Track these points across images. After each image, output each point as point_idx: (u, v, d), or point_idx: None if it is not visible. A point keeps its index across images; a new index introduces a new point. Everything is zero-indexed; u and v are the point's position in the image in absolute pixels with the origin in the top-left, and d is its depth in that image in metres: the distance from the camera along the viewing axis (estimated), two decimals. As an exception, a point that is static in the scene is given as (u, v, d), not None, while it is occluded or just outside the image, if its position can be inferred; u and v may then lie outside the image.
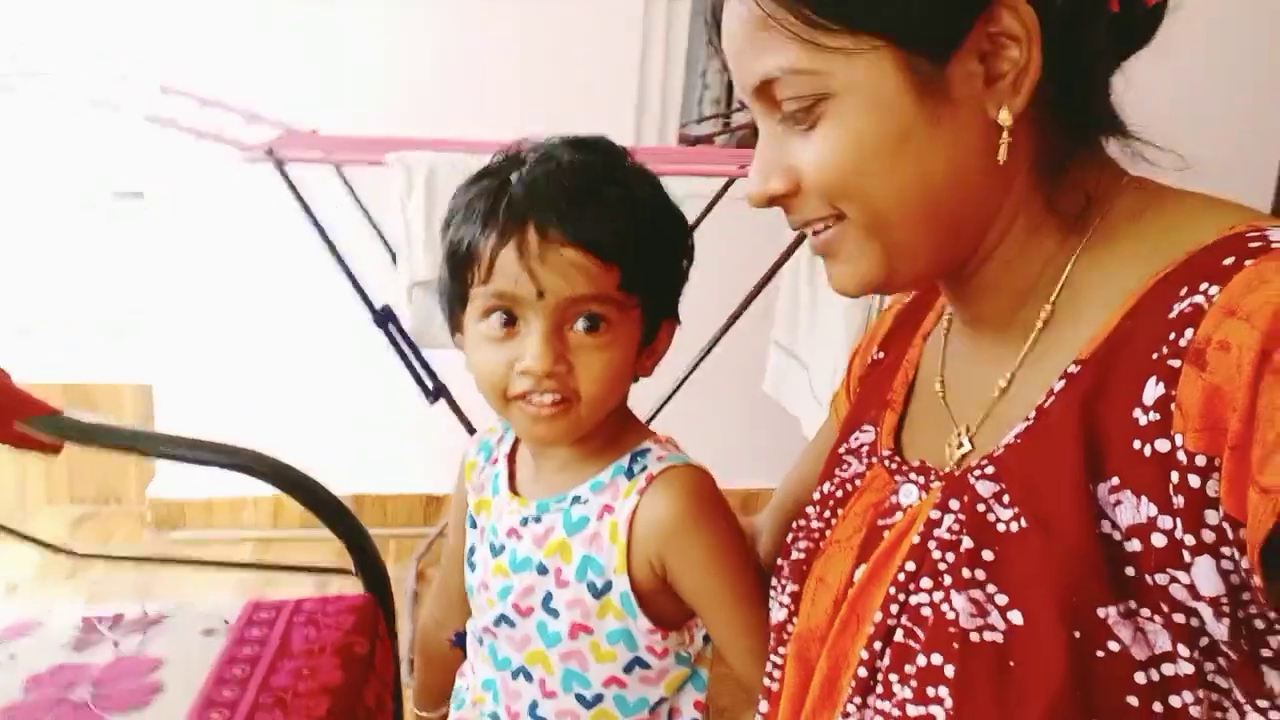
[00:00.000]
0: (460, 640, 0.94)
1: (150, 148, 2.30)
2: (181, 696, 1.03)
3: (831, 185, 0.63)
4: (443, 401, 1.81)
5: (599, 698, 0.82)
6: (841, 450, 0.80)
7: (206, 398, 2.47)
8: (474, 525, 0.88)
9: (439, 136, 1.97)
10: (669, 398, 1.91)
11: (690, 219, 2.25)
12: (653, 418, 1.95)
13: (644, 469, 0.81)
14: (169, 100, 1.94)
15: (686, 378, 1.88)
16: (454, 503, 0.94)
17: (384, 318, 1.70)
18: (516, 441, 0.89)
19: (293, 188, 1.62)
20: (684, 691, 0.85)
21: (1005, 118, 0.61)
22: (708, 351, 1.88)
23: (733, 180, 2.08)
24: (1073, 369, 0.60)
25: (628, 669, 0.82)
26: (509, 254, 0.73)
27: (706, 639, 0.85)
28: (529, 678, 0.84)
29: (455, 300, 0.80)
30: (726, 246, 2.33)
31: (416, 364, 1.76)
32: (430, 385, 1.77)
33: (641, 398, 1.95)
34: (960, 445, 0.68)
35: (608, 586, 0.79)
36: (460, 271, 0.77)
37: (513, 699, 0.86)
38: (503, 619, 0.84)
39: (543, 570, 0.81)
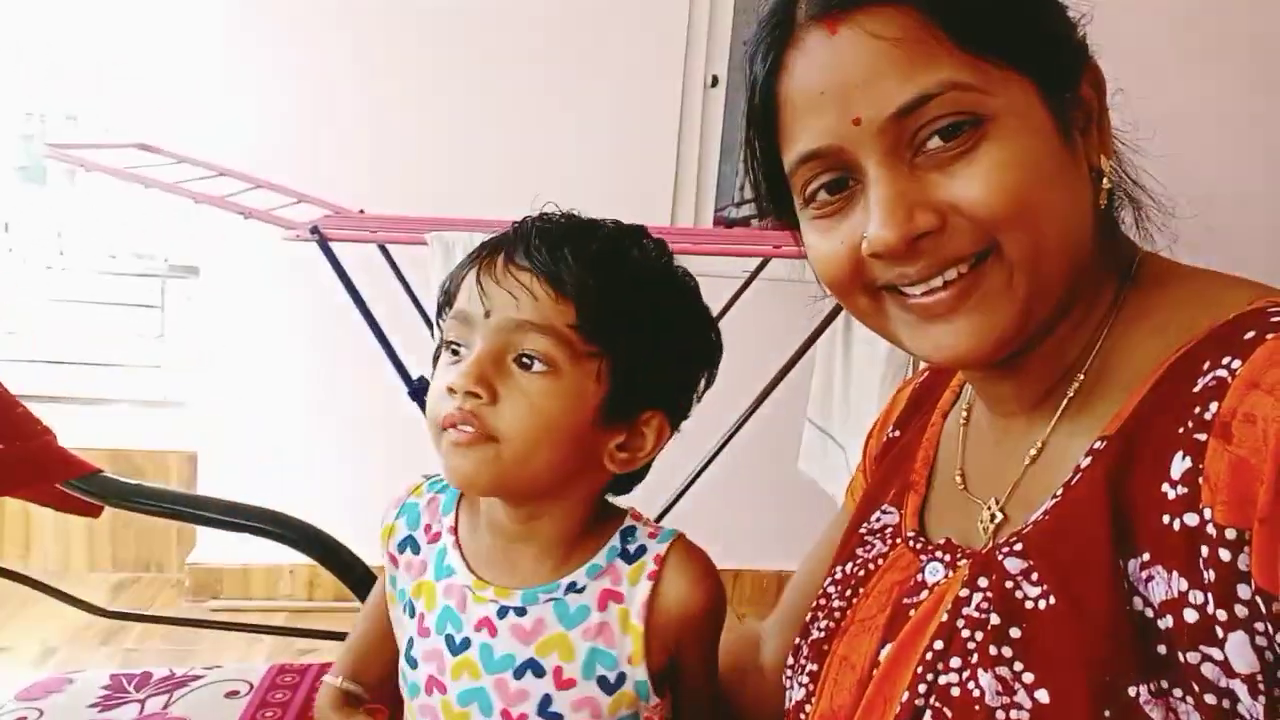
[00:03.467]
0: None
1: (206, 225, 2.40)
2: (202, 757, 1.04)
3: (1003, 207, 0.58)
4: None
5: None
6: (863, 530, 0.78)
7: (250, 466, 2.52)
8: (410, 614, 0.78)
9: (479, 217, 2.04)
10: (697, 474, 1.92)
11: (724, 299, 2.28)
12: (681, 494, 1.96)
13: (641, 548, 0.75)
14: (222, 182, 2.03)
15: (716, 454, 1.89)
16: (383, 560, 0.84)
17: (419, 390, 1.73)
18: (457, 514, 0.80)
19: (336, 265, 1.68)
20: None
21: (1106, 164, 0.62)
22: (738, 427, 1.88)
23: (767, 260, 2.11)
24: (1098, 445, 0.60)
25: None
26: (471, 276, 0.73)
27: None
28: None
29: (439, 348, 0.77)
30: (760, 324, 2.36)
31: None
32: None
33: (672, 474, 1.98)
34: (994, 518, 0.67)
35: (621, 679, 0.74)
36: (441, 309, 0.76)
37: None
38: None
39: (537, 671, 0.73)
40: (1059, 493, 0.61)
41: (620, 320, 0.71)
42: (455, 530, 0.78)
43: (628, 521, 0.77)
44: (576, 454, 0.72)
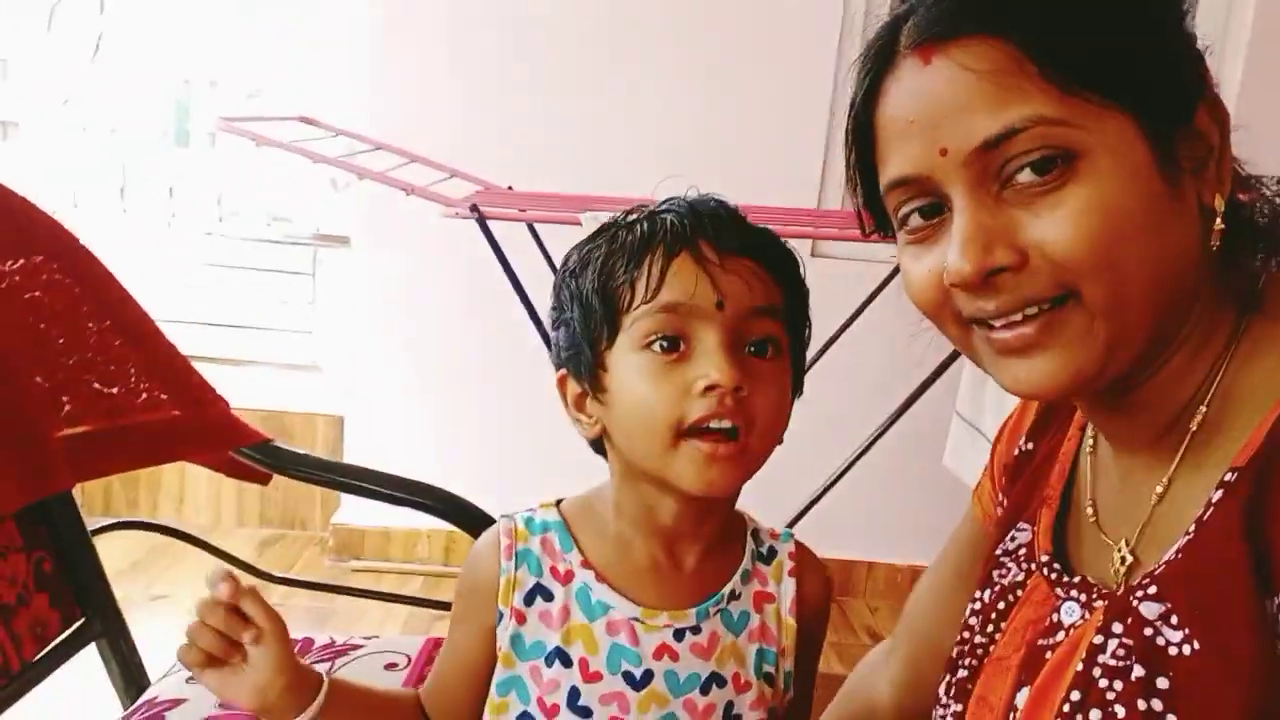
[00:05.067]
0: None
1: (356, 196, 2.46)
2: (364, 729, 1.05)
3: (1084, 252, 0.57)
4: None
5: None
6: (999, 552, 0.77)
7: (393, 431, 2.58)
8: (564, 664, 0.72)
9: (625, 195, 2.02)
10: (848, 467, 1.87)
11: (871, 286, 2.21)
12: (829, 488, 1.91)
13: (772, 549, 0.78)
14: (379, 156, 2.07)
15: (868, 448, 1.83)
16: (469, 616, 0.76)
17: (567, 368, 1.73)
18: (579, 546, 0.75)
19: (492, 241, 1.69)
20: None
21: (1220, 203, 0.59)
22: (891, 423, 1.82)
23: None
24: (1229, 477, 0.57)
25: None
26: (684, 264, 0.68)
27: None
28: None
29: (596, 341, 0.70)
30: (906, 313, 2.28)
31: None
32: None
33: (814, 467, 1.93)
34: (1124, 560, 0.65)
35: (778, 673, 0.77)
36: (611, 301, 0.69)
37: None
38: None
39: (720, 682, 0.73)
40: (1191, 529, 0.58)
41: (804, 302, 0.74)
42: (588, 564, 0.74)
43: (749, 522, 0.79)
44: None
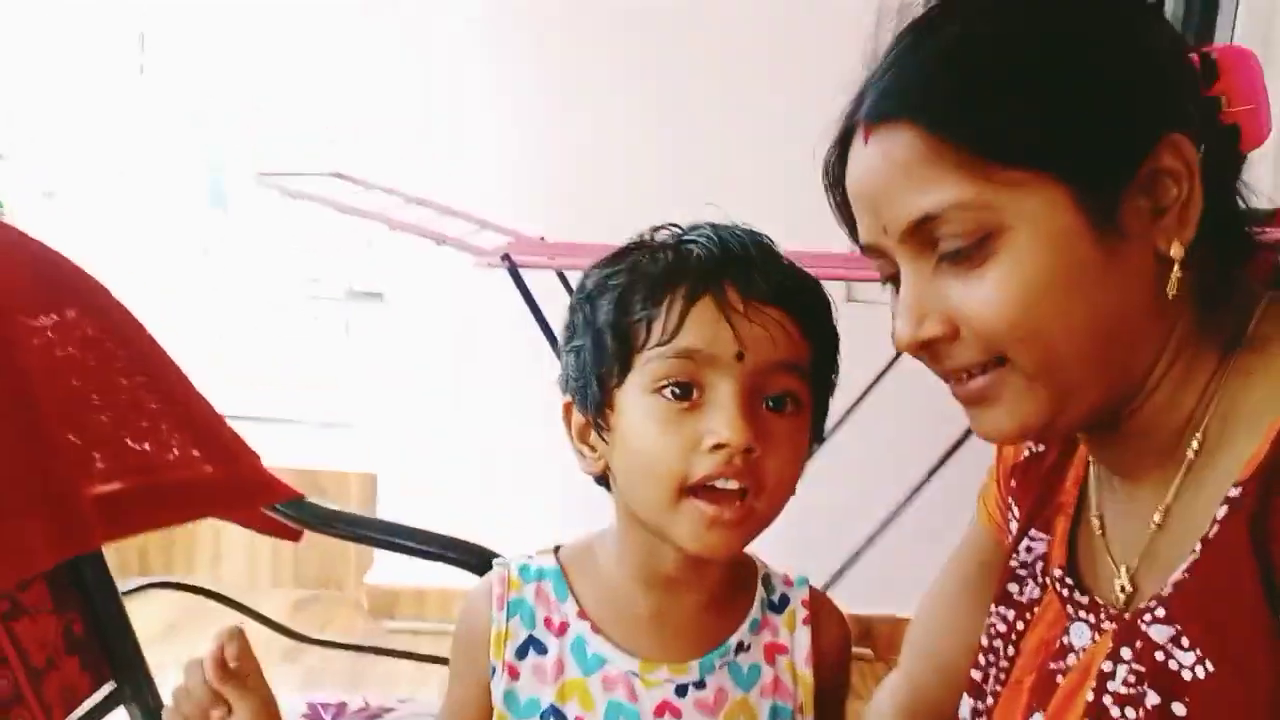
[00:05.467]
0: None
1: (389, 251, 2.47)
2: (398, 795, 1.02)
3: (1003, 329, 0.59)
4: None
5: None
6: (1014, 564, 0.75)
7: (428, 490, 2.56)
8: (555, 716, 0.69)
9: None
10: (889, 520, 1.82)
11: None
12: (870, 541, 1.87)
13: (785, 597, 0.74)
14: (410, 208, 2.07)
15: (909, 499, 1.79)
16: (464, 671, 0.73)
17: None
18: (575, 595, 0.72)
19: (525, 291, 1.68)
20: None
21: (1177, 251, 0.59)
22: (932, 473, 1.78)
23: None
24: (1233, 492, 0.56)
25: None
26: (705, 308, 0.64)
27: None
28: None
29: (606, 377, 0.67)
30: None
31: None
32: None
33: (855, 520, 1.89)
34: (1124, 589, 0.65)
35: None
36: (625, 338, 0.65)
37: None
38: None
39: None
40: (1198, 548, 0.57)
41: (833, 354, 0.71)
42: (584, 614, 0.71)
43: (761, 567, 0.76)
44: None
